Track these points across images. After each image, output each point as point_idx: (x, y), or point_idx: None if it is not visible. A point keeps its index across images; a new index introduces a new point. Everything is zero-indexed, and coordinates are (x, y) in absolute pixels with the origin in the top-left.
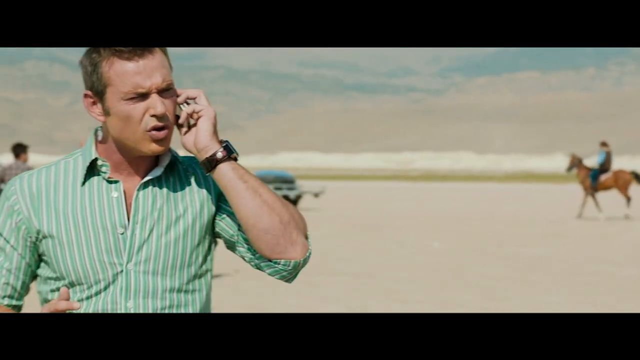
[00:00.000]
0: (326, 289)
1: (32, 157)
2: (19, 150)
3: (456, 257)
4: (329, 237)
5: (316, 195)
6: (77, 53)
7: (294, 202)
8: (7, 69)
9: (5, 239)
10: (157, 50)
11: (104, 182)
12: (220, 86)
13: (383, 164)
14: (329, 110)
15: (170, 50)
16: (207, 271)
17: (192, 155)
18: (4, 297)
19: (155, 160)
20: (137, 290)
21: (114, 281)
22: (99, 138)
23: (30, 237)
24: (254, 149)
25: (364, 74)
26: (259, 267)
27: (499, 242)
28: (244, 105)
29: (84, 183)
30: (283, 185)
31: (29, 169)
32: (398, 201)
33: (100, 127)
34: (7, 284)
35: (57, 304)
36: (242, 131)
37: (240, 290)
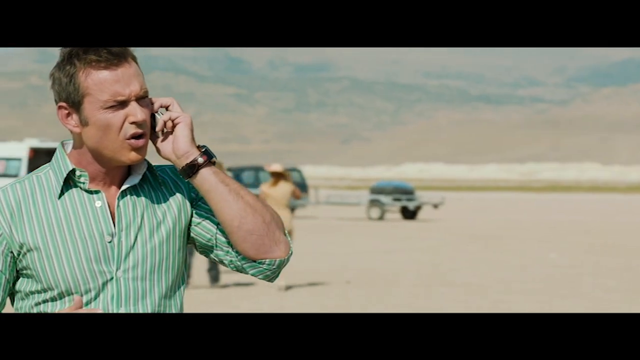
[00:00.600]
0: (434, 300)
1: None
2: None
3: (572, 269)
4: (444, 247)
5: (435, 206)
6: (202, 64)
7: (413, 213)
8: None
9: None
10: (131, 58)
11: (84, 192)
12: (345, 97)
13: (507, 174)
14: (453, 121)
15: (296, 60)
16: (183, 274)
17: (161, 163)
18: None
19: (128, 169)
20: (128, 296)
21: (103, 289)
22: (69, 151)
23: (12, 252)
24: (378, 160)
25: (488, 85)
26: (240, 269)
27: (618, 254)
28: (369, 117)
29: (61, 195)
30: (402, 196)
31: None
32: (520, 212)
33: (65, 141)
34: None
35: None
36: (367, 142)
37: (347, 298)
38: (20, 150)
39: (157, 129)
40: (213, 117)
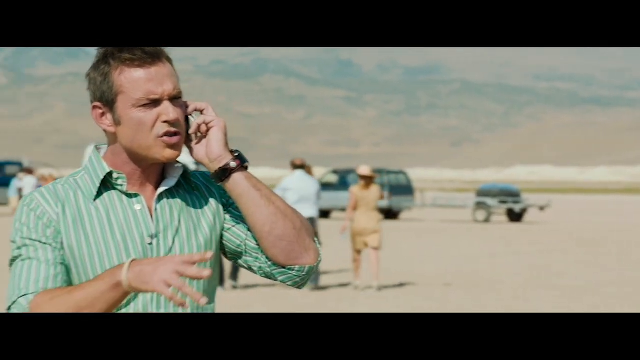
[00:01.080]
0: (532, 303)
1: (267, 171)
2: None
3: None
4: (547, 250)
5: (541, 208)
6: (312, 67)
7: (519, 215)
8: (244, 83)
9: (40, 241)
10: (165, 59)
11: (122, 195)
12: (456, 100)
13: (617, 177)
14: (563, 123)
15: (406, 63)
16: (216, 279)
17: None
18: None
19: (163, 171)
20: (167, 298)
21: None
22: (102, 154)
23: (61, 242)
24: (488, 163)
25: (599, 87)
26: (268, 275)
27: None
28: (479, 119)
29: (97, 197)
30: (508, 199)
31: None
32: (628, 215)
33: (98, 145)
34: (57, 275)
35: (187, 268)
36: (477, 144)
37: (445, 301)
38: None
39: (191, 131)
40: (323, 120)
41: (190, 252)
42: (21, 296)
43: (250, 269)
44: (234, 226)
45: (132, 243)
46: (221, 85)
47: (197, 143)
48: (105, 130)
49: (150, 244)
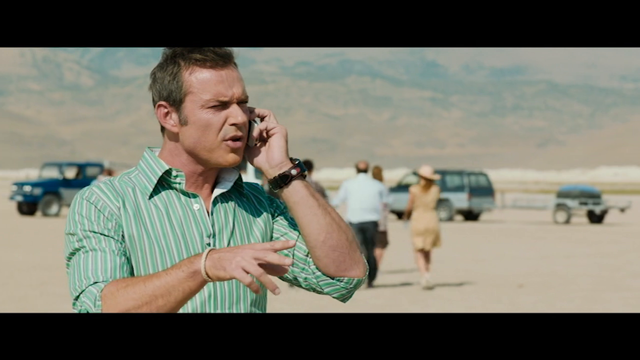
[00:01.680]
0: (604, 305)
1: (352, 172)
2: (309, 166)
3: None
4: (628, 252)
5: (622, 210)
6: (398, 68)
7: (600, 217)
8: (330, 84)
9: (103, 234)
10: (234, 63)
11: (180, 194)
12: (541, 101)
13: None
14: None
15: (492, 64)
16: (264, 289)
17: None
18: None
19: (217, 176)
20: (224, 298)
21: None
22: (158, 153)
23: (122, 235)
24: (573, 164)
25: None
26: (314, 287)
27: None
28: (565, 120)
29: (152, 195)
30: (589, 200)
31: (318, 185)
32: None
33: (153, 147)
34: (124, 265)
35: (270, 255)
36: (562, 146)
37: (515, 302)
38: None
39: (255, 134)
40: (409, 121)
41: None
42: (91, 284)
43: (295, 279)
44: (281, 236)
45: (192, 241)
46: (307, 87)
47: (257, 149)
48: (167, 130)
49: (209, 244)
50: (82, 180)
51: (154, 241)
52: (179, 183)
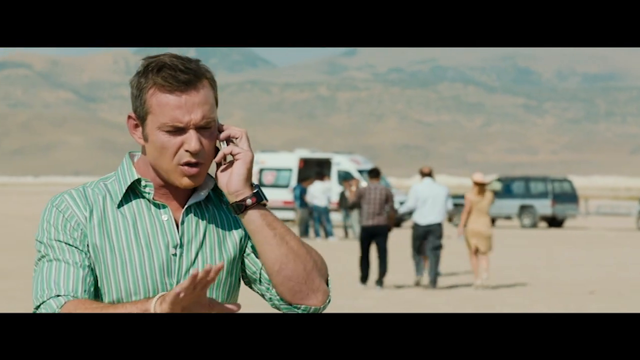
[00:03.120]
0: None
1: (445, 179)
2: (374, 174)
3: None
4: None
5: None
6: (490, 74)
7: None
8: (422, 91)
9: (68, 243)
10: (205, 85)
11: (150, 203)
12: (635, 107)
13: None
14: None
15: (585, 70)
16: (233, 298)
17: None
18: (85, 291)
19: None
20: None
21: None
22: (135, 160)
23: (87, 245)
24: None
25: None
26: (277, 308)
27: None
28: None
29: (122, 204)
30: None
31: (387, 190)
32: None
33: (133, 152)
34: (86, 278)
35: (215, 306)
36: None
37: (584, 308)
38: (291, 160)
39: (216, 160)
40: (502, 128)
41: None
42: (52, 297)
43: (262, 296)
44: (252, 252)
45: (157, 252)
46: (399, 93)
47: (222, 171)
48: (136, 141)
49: (175, 254)
50: None
51: (116, 252)
52: (148, 193)
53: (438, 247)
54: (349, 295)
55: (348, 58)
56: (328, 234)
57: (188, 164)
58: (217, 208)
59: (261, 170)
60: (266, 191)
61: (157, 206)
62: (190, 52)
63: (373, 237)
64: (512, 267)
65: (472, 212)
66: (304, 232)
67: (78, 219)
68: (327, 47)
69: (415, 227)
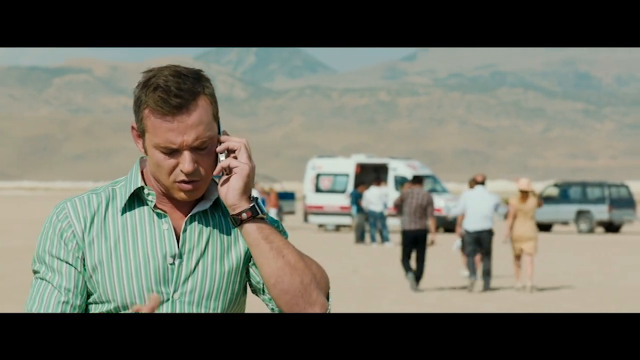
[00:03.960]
0: None
1: (504, 184)
2: (417, 180)
3: None
4: None
5: None
6: (551, 79)
7: None
8: (482, 96)
9: (60, 259)
10: (200, 104)
11: (153, 213)
12: None
13: None
14: None
15: None
16: (235, 307)
17: None
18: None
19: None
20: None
21: (159, 309)
22: (144, 166)
23: (82, 257)
24: None
25: None
26: None
27: None
28: None
29: (127, 210)
30: None
31: (427, 196)
32: None
33: (145, 157)
34: (67, 302)
35: (142, 308)
36: None
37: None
38: (348, 166)
39: (215, 173)
40: (561, 133)
41: (212, 277)
42: None
43: (267, 306)
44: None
45: (154, 262)
46: (459, 98)
47: (221, 184)
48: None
49: (172, 264)
50: None
51: (113, 263)
52: (151, 201)
53: (488, 253)
54: (401, 301)
55: (408, 63)
56: (384, 239)
57: (183, 182)
58: (224, 216)
59: (318, 176)
60: (323, 196)
61: (159, 215)
62: (250, 56)
63: (414, 241)
64: (566, 272)
65: (517, 216)
66: (360, 238)
67: (74, 230)
68: (387, 47)
69: (466, 233)
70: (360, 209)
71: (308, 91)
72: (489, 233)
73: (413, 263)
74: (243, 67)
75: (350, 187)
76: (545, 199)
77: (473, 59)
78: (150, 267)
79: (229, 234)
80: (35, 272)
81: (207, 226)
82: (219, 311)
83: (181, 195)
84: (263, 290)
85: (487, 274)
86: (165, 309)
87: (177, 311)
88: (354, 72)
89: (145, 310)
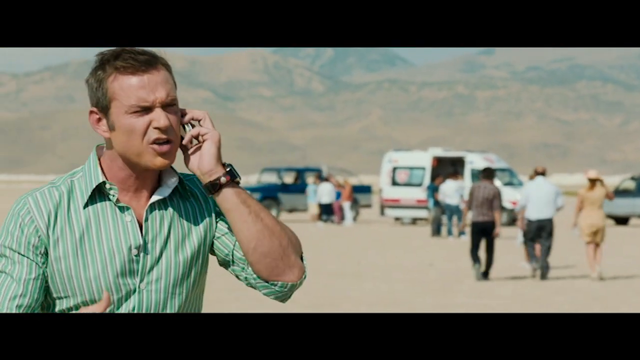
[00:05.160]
0: None
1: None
2: (486, 174)
3: None
4: None
5: None
6: (629, 72)
7: None
8: (560, 89)
9: (19, 253)
10: (161, 66)
11: (115, 206)
12: None
13: None
14: None
15: None
16: (203, 288)
17: (191, 173)
18: (20, 306)
19: (159, 178)
20: (149, 307)
21: (126, 300)
22: (101, 156)
23: (46, 253)
24: None
25: None
26: (252, 286)
27: None
28: None
29: (89, 205)
30: None
31: (494, 189)
32: None
33: (101, 145)
34: (24, 295)
35: (91, 308)
36: None
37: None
38: (424, 159)
39: (184, 142)
40: None
41: (177, 265)
42: None
43: (237, 277)
44: (223, 235)
45: (119, 255)
46: (537, 92)
47: (191, 153)
48: (102, 136)
49: (137, 255)
50: (300, 185)
51: (79, 257)
52: (113, 196)
53: (548, 241)
54: (475, 295)
55: (486, 57)
56: (460, 232)
57: (158, 141)
58: (182, 200)
59: (394, 169)
60: (399, 190)
61: (121, 209)
62: (328, 49)
63: (482, 232)
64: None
65: (585, 206)
66: (436, 231)
67: (37, 225)
68: (465, 47)
69: (528, 222)
70: (436, 202)
71: (386, 85)
72: (550, 222)
73: (482, 254)
74: (321, 61)
75: (427, 181)
76: (622, 192)
77: (551, 52)
78: (116, 261)
79: (187, 218)
80: None
81: (167, 213)
82: (184, 294)
83: (157, 161)
84: (233, 261)
85: (545, 263)
86: (133, 299)
87: (145, 300)
88: (432, 66)
89: (96, 310)
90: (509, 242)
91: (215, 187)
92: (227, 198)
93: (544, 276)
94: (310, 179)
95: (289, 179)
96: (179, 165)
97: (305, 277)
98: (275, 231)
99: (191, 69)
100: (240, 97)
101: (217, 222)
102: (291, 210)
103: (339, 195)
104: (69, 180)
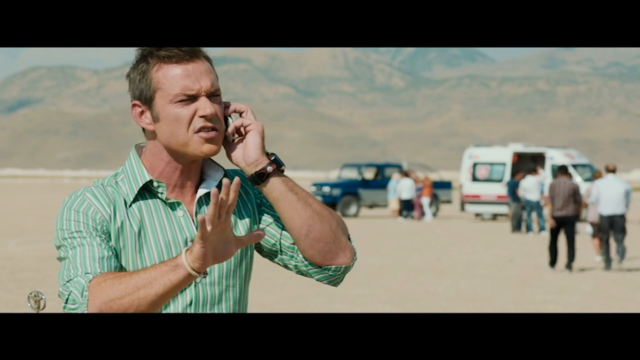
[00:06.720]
0: None
1: None
2: (563, 170)
3: None
4: None
5: None
6: None
7: None
8: (637, 84)
9: (90, 233)
10: (204, 58)
11: (165, 203)
12: None
13: None
14: None
15: None
16: (249, 279)
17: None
18: (113, 268)
19: (201, 172)
20: (205, 301)
21: (182, 293)
22: (141, 155)
23: (108, 234)
24: None
25: None
26: (304, 274)
27: None
28: None
29: (140, 202)
30: None
31: (573, 185)
32: None
33: (139, 144)
34: (111, 257)
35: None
36: None
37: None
38: (505, 155)
39: (228, 132)
40: None
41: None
42: (79, 275)
43: (286, 267)
44: (268, 225)
45: (175, 248)
46: (618, 87)
47: (234, 146)
48: (144, 129)
49: None
50: (380, 181)
51: (137, 249)
52: (161, 193)
53: (620, 235)
54: (555, 291)
55: (567, 52)
56: (541, 228)
57: (204, 129)
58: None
59: (475, 165)
60: (480, 185)
61: (172, 205)
62: (408, 47)
63: (562, 226)
64: None
65: None
66: (517, 227)
67: (102, 215)
68: (545, 47)
69: (601, 217)
70: (517, 198)
71: (467, 80)
72: (622, 217)
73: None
74: (402, 57)
75: (508, 177)
76: None
77: (632, 48)
78: (172, 254)
79: (234, 210)
80: (64, 249)
81: None
82: (237, 287)
83: (204, 148)
84: (280, 251)
85: (621, 254)
86: (189, 292)
87: (200, 293)
88: (513, 61)
89: (209, 213)
90: (583, 237)
91: (262, 176)
92: (274, 187)
93: (608, 267)
94: (395, 175)
95: (369, 174)
96: (220, 159)
97: (356, 259)
98: (325, 215)
99: (271, 65)
100: (320, 92)
101: (260, 214)
102: (371, 206)
103: (419, 190)
104: (114, 181)
